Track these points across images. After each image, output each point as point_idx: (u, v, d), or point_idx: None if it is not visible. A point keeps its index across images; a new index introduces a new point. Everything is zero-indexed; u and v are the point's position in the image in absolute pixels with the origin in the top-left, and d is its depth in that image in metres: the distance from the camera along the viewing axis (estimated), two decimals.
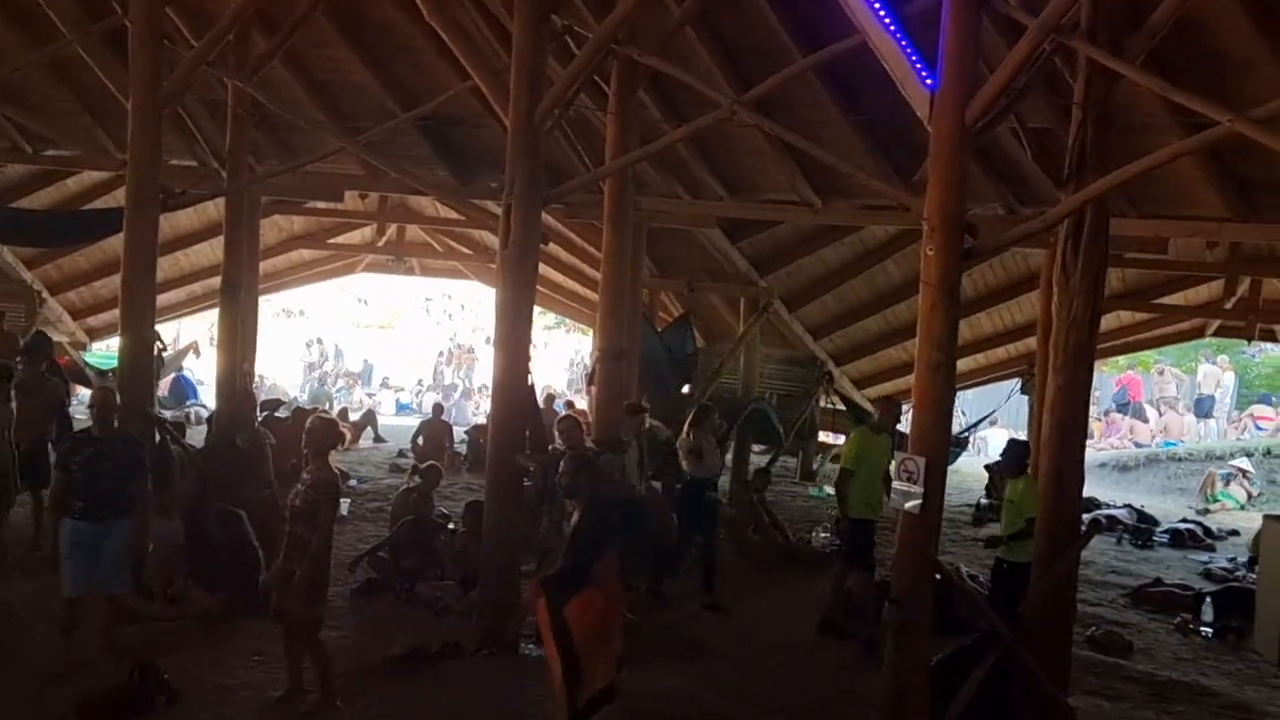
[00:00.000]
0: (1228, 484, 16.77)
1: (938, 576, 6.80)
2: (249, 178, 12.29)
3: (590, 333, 15.98)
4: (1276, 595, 9.59)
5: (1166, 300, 15.46)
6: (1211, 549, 13.51)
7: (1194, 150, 7.25)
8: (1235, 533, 14.26)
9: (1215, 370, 23.73)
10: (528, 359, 8.40)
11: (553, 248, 15.87)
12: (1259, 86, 8.50)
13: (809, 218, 13.11)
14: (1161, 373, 24.08)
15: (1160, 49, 8.12)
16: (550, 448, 9.60)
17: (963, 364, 16.05)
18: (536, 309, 9.02)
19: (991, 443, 19.54)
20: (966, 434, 17.39)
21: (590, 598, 6.60)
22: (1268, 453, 18.27)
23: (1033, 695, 7.25)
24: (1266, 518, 10.71)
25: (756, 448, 15.17)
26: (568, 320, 23.97)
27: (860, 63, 7.68)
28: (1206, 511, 15.91)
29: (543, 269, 14.41)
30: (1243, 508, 16.05)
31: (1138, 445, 21.31)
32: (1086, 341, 7.64)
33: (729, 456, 13.84)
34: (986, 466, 15.55)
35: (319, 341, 28.13)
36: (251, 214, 12.66)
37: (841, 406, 15.74)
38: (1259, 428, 22.04)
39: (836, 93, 10.94)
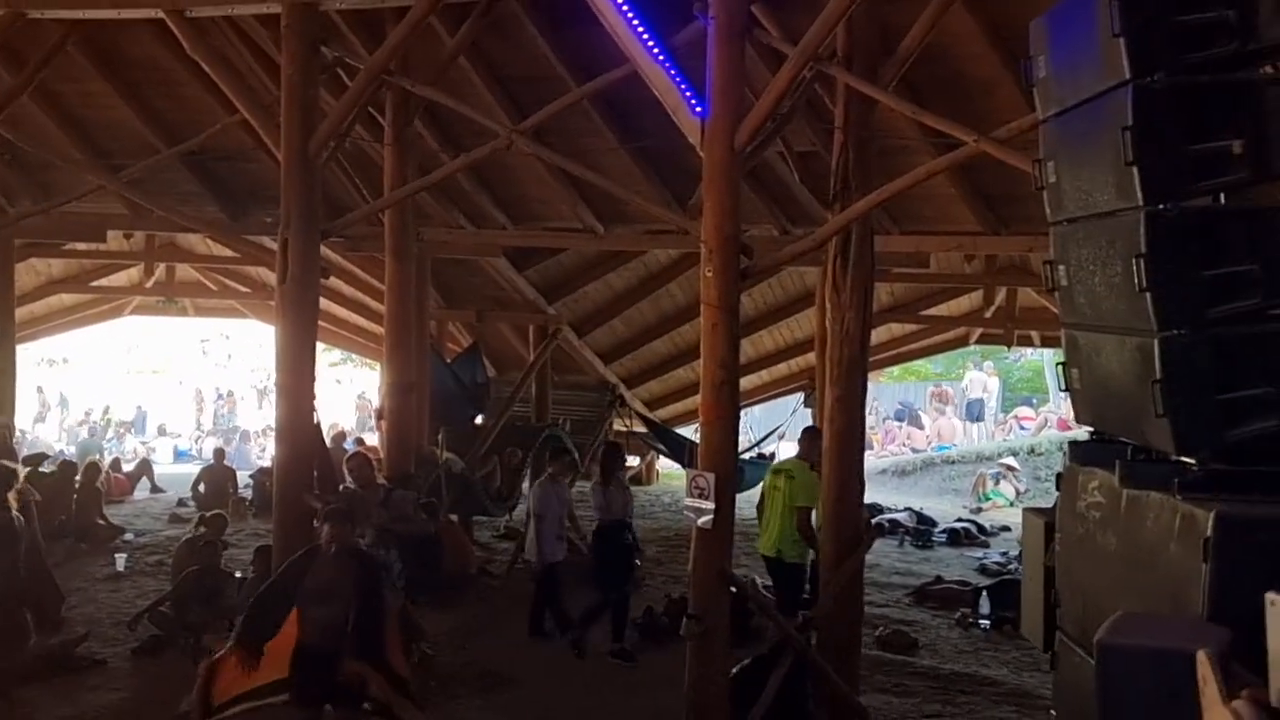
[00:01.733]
0: (997, 483, 17.80)
1: (733, 589, 6.96)
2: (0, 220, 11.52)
3: (378, 367, 15.69)
4: (1037, 583, 10.18)
5: (932, 311, 16.35)
6: (986, 545, 14.29)
7: (945, 169, 7.71)
8: (1006, 528, 15.12)
9: (982, 376, 25.20)
10: (312, 396, 8.17)
11: (335, 282, 15.51)
12: (1001, 107, 9.12)
13: (592, 244, 13.27)
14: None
15: (911, 74, 8.61)
16: (340, 487, 9.35)
17: (747, 381, 16.52)
18: (321, 345, 8.79)
19: (780, 456, 20.12)
20: (756, 448, 17.88)
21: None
22: (1031, 451, 19.50)
23: (826, 697, 7.50)
24: (1026, 510, 11.38)
25: None
26: (354, 356, 23.45)
27: (635, 91, 7.84)
28: (979, 510, 16.83)
29: (325, 304, 14.03)
30: (1012, 504, 17.03)
31: (915, 451, 22.38)
32: (859, 354, 7.98)
33: (525, 485, 13.79)
34: None
35: (40, 390, 26.39)
36: (4, 258, 11.86)
37: (641, 428, 15.93)
38: (1023, 428, 23.51)
39: (613, 121, 11.14)
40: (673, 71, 6.62)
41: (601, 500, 9.47)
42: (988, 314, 15.95)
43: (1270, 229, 3.29)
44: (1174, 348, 3.26)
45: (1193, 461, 3.32)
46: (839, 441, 8.02)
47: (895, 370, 24.93)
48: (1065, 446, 4.23)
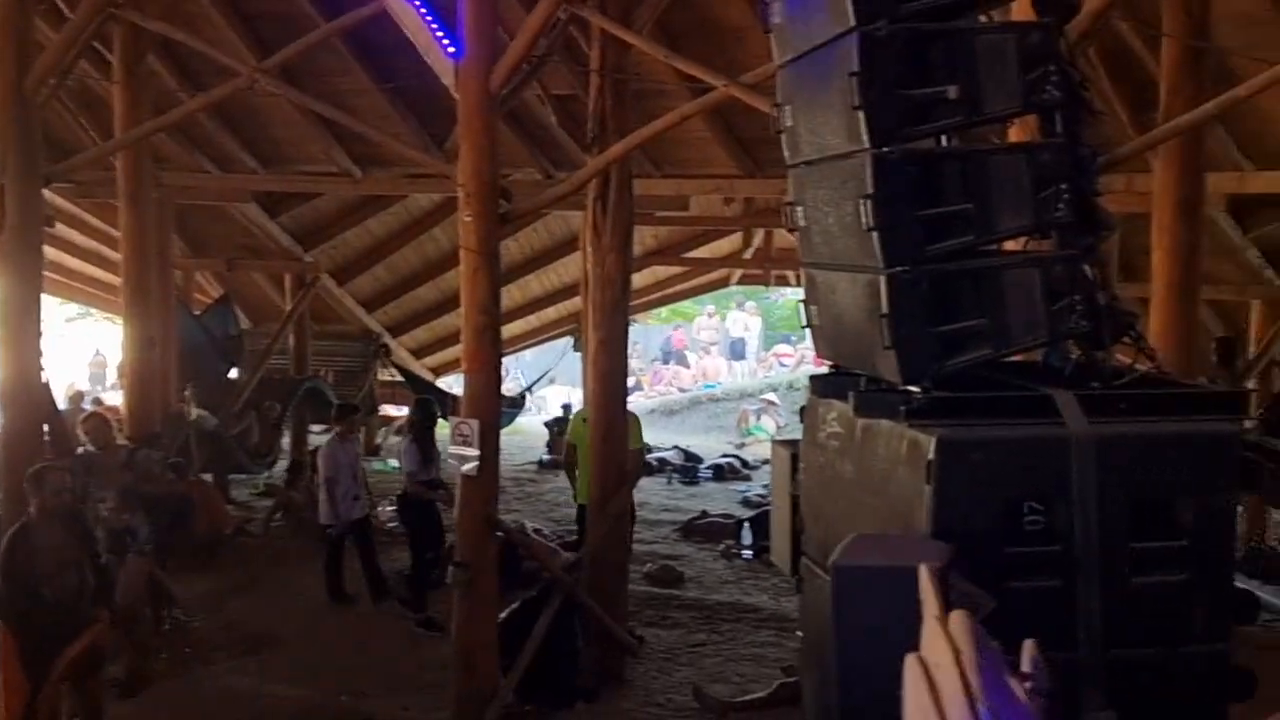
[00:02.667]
0: (759, 418, 18.50)
1: (500, 534, 6.98)
2: None
3: (120, 321, 14.79)
4: (784, 512, 10.66)
5: (695, 254, 16.70)
6: (748, 479, 14.84)
7: (697, 113, 7.84)
8: (768, 462, 15.73)
9: (744, 316, 26.00)
10: (39, 354, 7.61)
11: (66, 230, 14.45)
12: (752, 53, 9.32)
13: (350, 189, 12.87)
14: (711, 315, 25.89)
15: (667, 19, 8.72)
16: (79, 450, 8.79)
17: (516, 326, 16.50)
18: (54, 299, 8.19)
19: (551, 400, 20.26)
20: (524, 393, 17.90)
21: None
22: (790, 386, 20.32)
23: (596, 634, 7.66)
24: (774, 443, 11.89)
25: (315, 427, 14.75)
26: (94, 310, 21.96)
27: (388, 31, 7.60)
28: (743, 445, 17.45)
29: (56, 254, 13.10)
30: (772, 438, 17.75)
31: (681, 390, 22.95)
32: (621, 296, 8.08)
33: (285, 440, 13.38)
34: (546, 423, 16.12)
35: None
36: None
37: (400, 378, 15.66)
38: (782, 365, 24.46)
39: (367, 61, 10.79)
40: (424, 10, 6.45)
41: (416, 458, 9.08)
42: (747, 255, 16.41)
43: (982, 169, 3.50)
44: (898, 283, 3.44)
45: (918, 390, 3.51)
46: (603, 383, 8.11)
47: (663, 312, 25.41)
48: (807, 380, 4.42)
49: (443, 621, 7.74)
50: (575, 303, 16.19)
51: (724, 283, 18.54)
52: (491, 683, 6.67)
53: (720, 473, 15.00)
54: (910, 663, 2.20)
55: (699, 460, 15.46)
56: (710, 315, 25.71)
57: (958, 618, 2.57)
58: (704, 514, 12.35)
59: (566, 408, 15.88)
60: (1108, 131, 7.78)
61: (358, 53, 10.66)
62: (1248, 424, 7.84)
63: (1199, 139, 6.97)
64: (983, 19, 3.83)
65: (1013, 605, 3.27)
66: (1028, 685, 2.23)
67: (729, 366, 24.70)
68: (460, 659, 6.66)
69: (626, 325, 8.26)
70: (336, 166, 12.21)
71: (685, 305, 25.71)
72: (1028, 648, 2.35)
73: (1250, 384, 11.21)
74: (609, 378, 8.08)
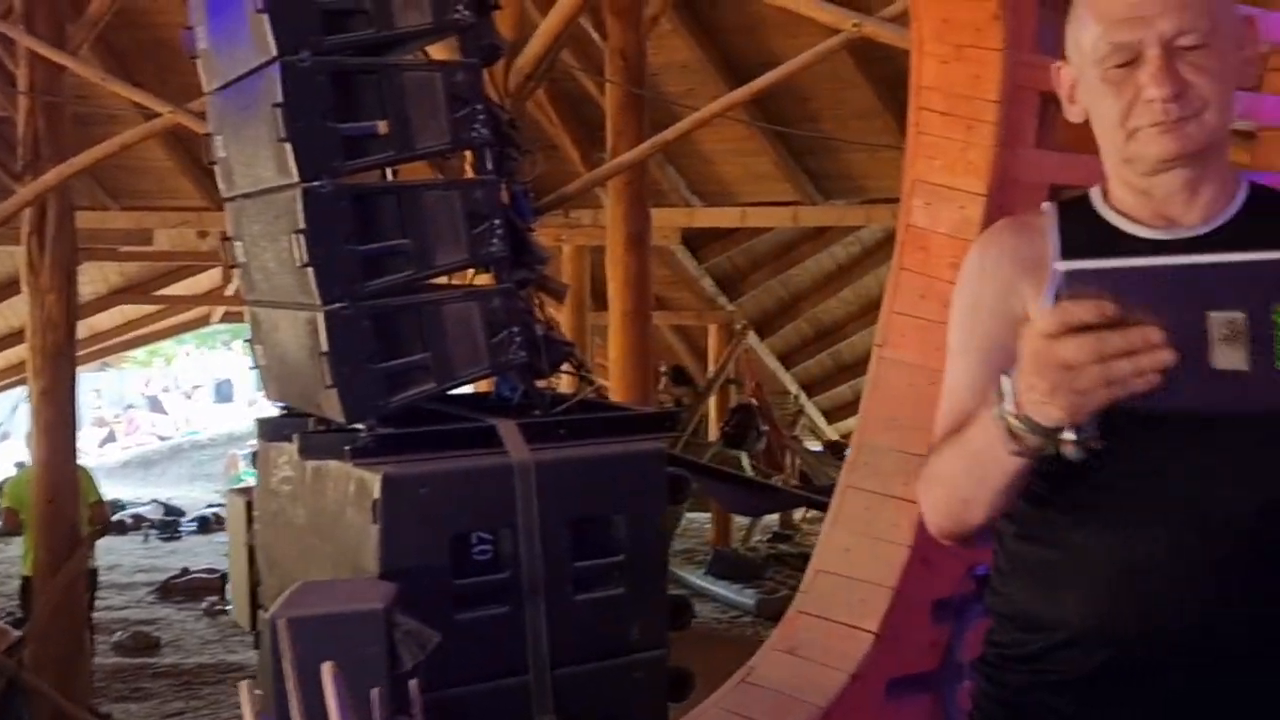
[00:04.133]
0: (251, 463, 17.65)
1: None
2: None
3: None
4: (241, 564, 10.22)
5: (169, 291, 15.62)
6: None
7: (143, 139, 7.27)
8: None
9: (232, 356, 24.80)
10: None
11: None
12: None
13: None
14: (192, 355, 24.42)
15: (115, 39, 8.04)
16: None
17: None
18: None
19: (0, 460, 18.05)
20: None
21: None
22: None
23: (52, 718, 6.85)
24: (230, 492, 11.40)
25: None
26: None
27: None
28: None
29: None
30: (231, 488, 17.02)
31: (162, 439, 21.43)
32: (65, 341, 7.33)
33: None
34: None
35: None
36: None
37: None
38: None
39: None
40: None
41: None
42: (229, 291, 15.61)
43: (417, 205, 3.51)
44: (336, 320, 3.35)
45: (363, 428, 3.44)
46: (48, 437, 7.30)
47: (140, 354, 23.56)
48: (255, 424, 4.22)
49: None
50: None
51: (205, 321, 17.56)
52: None
53: (206, 525, 14.14)
54: None
55: (181, 513, 14.48)
56: (191, 355, 24.28)
57: None
58: (185, 571, 11.55)
59: (20, 465, 14.20)
60: (562, 169, 8.26)
61: None
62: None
63: (643, 177, 7.55)
64: (412, 56, 3.86)
65: (464, 637, 3.30)
66: None
67: (215, 410, 23.43)
68: None
69: (73, 372, 7.50)
70: None
71: (165, 346, 24.07)
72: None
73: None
74: (54, 431, 7.28)
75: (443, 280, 3.87)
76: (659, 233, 10.63)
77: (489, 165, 3.64)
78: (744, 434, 11.13)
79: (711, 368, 12.86)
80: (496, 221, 3.58)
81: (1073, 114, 1.51)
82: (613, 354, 7.34)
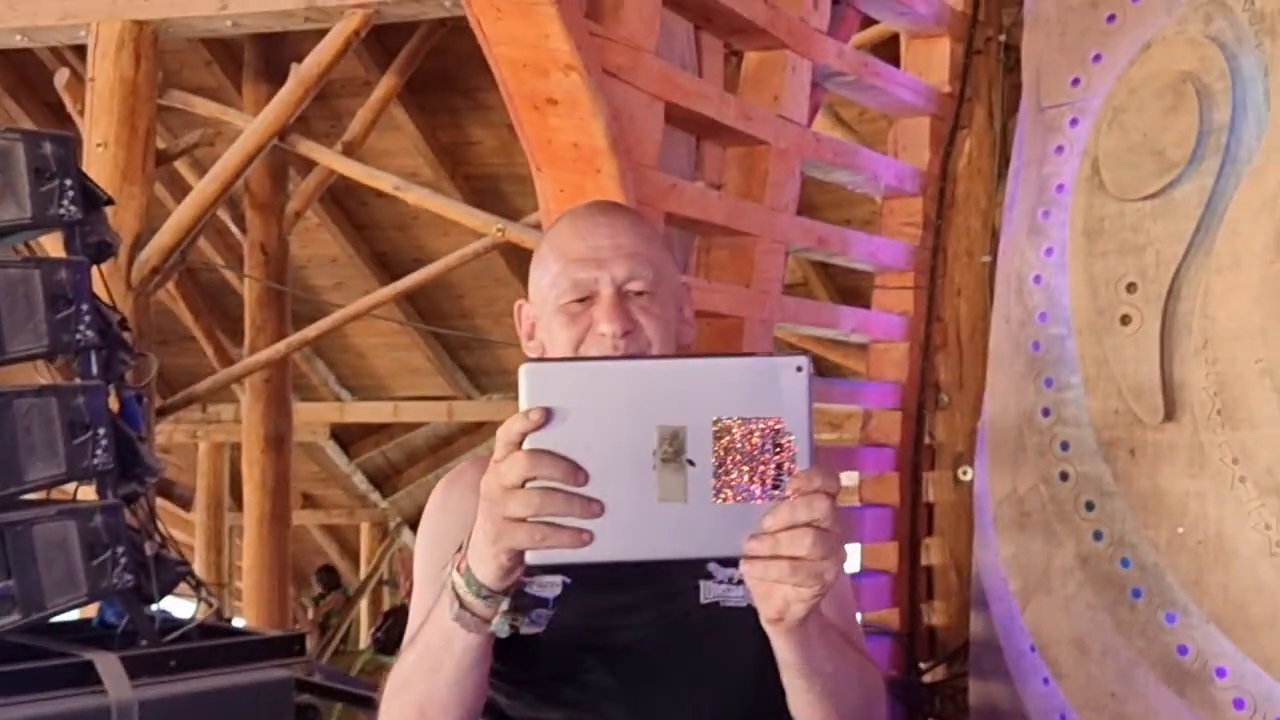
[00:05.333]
0: None
1: None
2: None
3: None
4: None
5: None
6: None
7: None
8: None
9: None
10: None
11: None
12: None
13: None
14: None
15: None
16: None
17: None
18: None
19: None
20: None
21: None
22: None
23: None
24: None
25: None
26: None
27: None
28: None
29: None
30: None
31: None
32: None
33: None
34: None
35: None
36: None
37: None
38: None
39: None
40: None
41: None
42: None
43: (6, 413, 3.15)
44: None
45: None
46: None
47: None
48: None
49: None
50: None
51: None
52: None
53: None
54: None
55: None
56: None
57: None
58: None
59: None
60: (200, 363, 7.82)
61: None
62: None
63: (284, 373, 7.26)
64: (13, 251, 3.54)
65: None
66: None
67: None
68: None
69: None
70: None
71: None
72: None
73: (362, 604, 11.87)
74: None
75: (40, 496, 3.49)
76: (307, 428, 10.25)
77: (94, 370, 3.34)
78: (398, 639, 10.64)
79: (364, 568, 12.36)
80: (101, 431, 3.27)
81: (530, 349, 1.64)
82: (247, 563, 6.86)
